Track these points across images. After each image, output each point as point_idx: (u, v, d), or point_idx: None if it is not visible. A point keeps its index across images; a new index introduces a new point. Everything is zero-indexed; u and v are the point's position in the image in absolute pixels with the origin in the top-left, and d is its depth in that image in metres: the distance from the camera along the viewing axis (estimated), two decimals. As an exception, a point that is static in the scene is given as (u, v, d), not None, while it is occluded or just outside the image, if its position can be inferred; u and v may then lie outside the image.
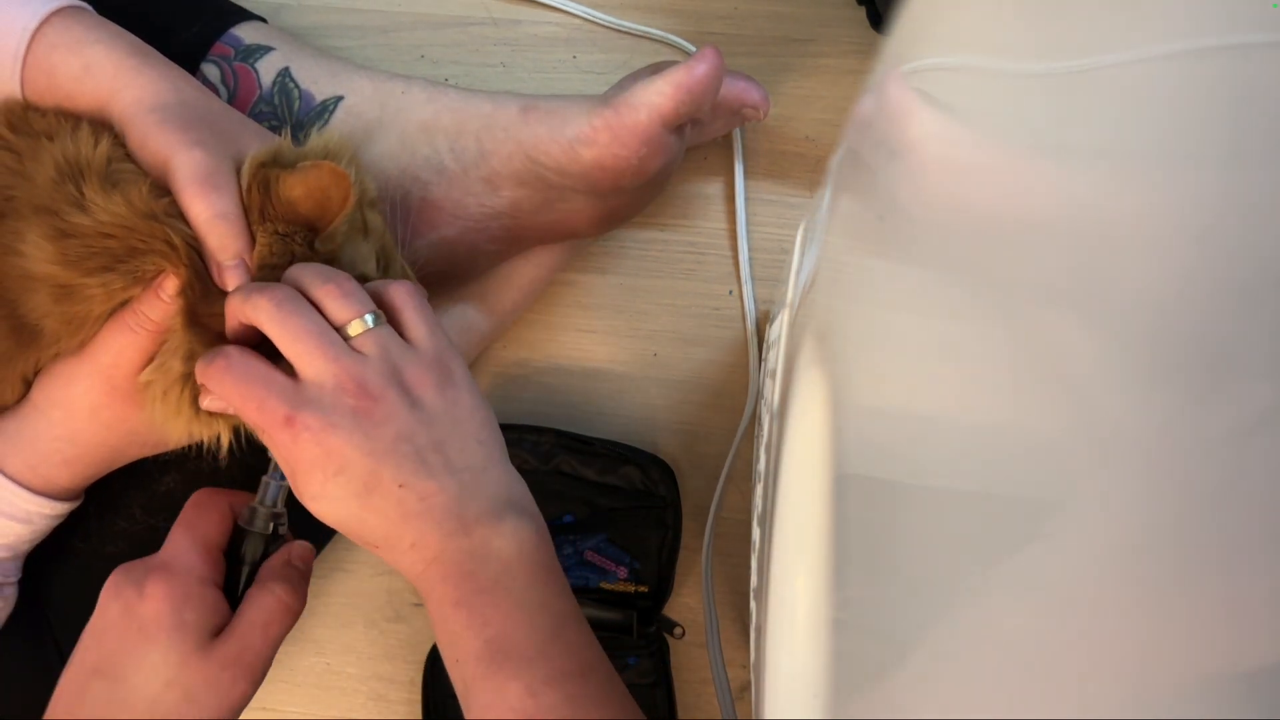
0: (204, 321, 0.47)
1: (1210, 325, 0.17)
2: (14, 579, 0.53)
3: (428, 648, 0.68)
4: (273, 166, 0.48)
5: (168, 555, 0.48)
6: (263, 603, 0.48)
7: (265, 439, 0.45)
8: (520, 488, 0.48)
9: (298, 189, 0.47)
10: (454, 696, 0.66)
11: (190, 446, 0.51)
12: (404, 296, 0.48)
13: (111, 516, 0.58)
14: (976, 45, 0.30)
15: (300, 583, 0.49)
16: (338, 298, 0.46)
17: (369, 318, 0.46)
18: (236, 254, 0.46)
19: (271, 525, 0.50)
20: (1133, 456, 0.18)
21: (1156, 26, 0.21)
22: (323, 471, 0.44)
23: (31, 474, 0.50)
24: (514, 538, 0.45)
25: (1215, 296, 0.17)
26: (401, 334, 0.47)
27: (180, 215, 0.47)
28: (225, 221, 0.46)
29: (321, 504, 0.45)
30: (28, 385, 0.51)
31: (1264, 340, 0.16)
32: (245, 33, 0.60)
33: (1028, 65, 0.26)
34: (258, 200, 0.47)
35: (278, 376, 0.44)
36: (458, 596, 0.44)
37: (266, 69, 0.59)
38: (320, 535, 0.66)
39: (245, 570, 0.50)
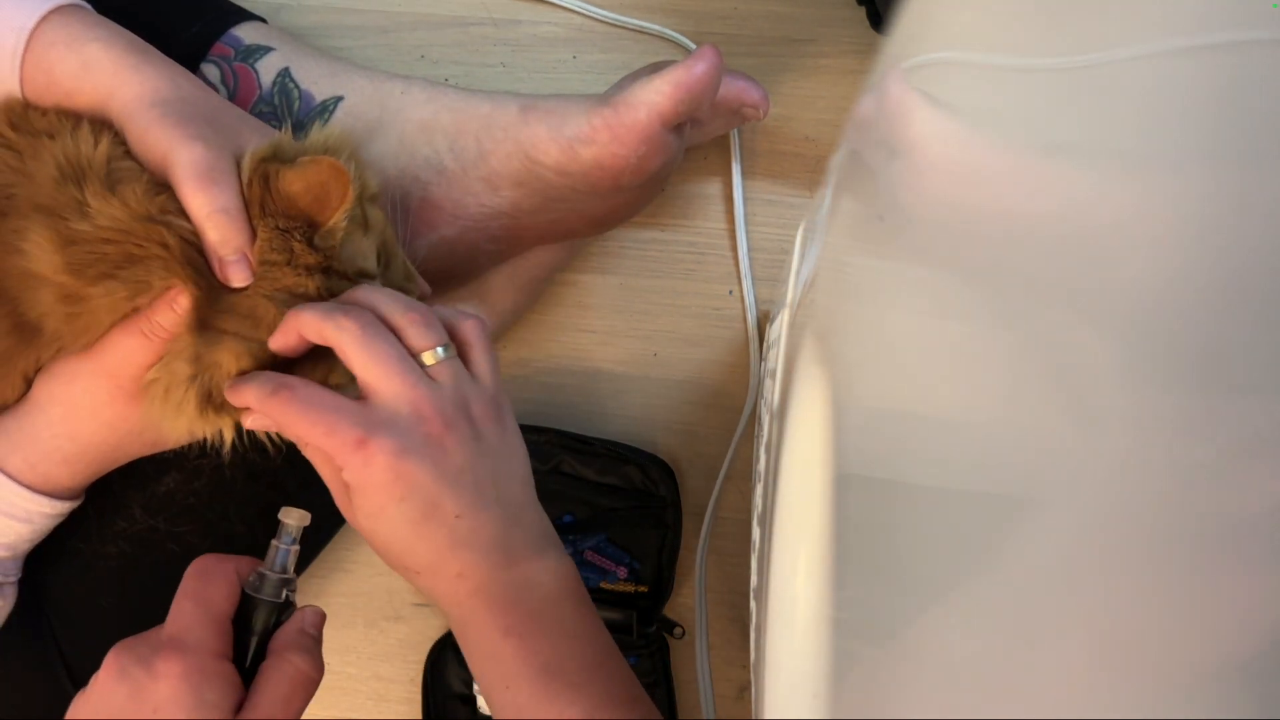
0: (210, 323, 0.47)
1: (1209, 326, 0.17)
2: (14, 578, 0.53)
3: (428, 648, 0.68)
4: (273, 161, 0.48)
5: (177, 629, 0.45)
6: (283, 675, 0.45)
7: (329, 464, 0.45)
8: (551, 527, 0.50)
9: (297, 184, 0.47)
10: (454, 698, 0.67)
11: (191, 446, 0.51)
12: (474, 333, 0.49)
13: (111, 517, 0.58)
14: (976, 44, 0.29)
15: (316, 650, 0.47)
16: (420, 325, 0.47)
17: (441, 349, 0.47)
18: (238, 248, 0.46)
19: (283, 592, 0.48)
20: (1131, 458, 0.18)
21: (1157, 23, 0.21)
22: (388, 495, 0.44)
23: (31, 472, 0.50)
24: (555, 572, 0.47)
25: (1214, 298, 0.17)
26: (467, 368, 0.48)
27: (179, 211, 0.46)
28: (226, 216, 0.46)
29: (375, 523, 0.45)
30: (28, 383, 0.51)
31: (1261, 342, 0.16)
32: (245, 33, 0.60)
33: (1028, 61, 0.26)
34: (258, 194, 0.47)
35: (345, 402, 0.45)
36: (507, 625, 0.45)
37: (266, 69, 0.59)
38: (320, 534, 0.66)
39: (255, 640, 0.47)
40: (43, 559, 0.55)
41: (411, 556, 0.46)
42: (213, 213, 0.46)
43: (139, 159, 0.48)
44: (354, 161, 0.50)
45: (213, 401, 0.48)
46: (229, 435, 0.50)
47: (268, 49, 0.60)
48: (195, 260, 0.47)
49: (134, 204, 0.46)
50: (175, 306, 0.47)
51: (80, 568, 0.58)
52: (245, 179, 0.47)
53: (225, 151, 0.47)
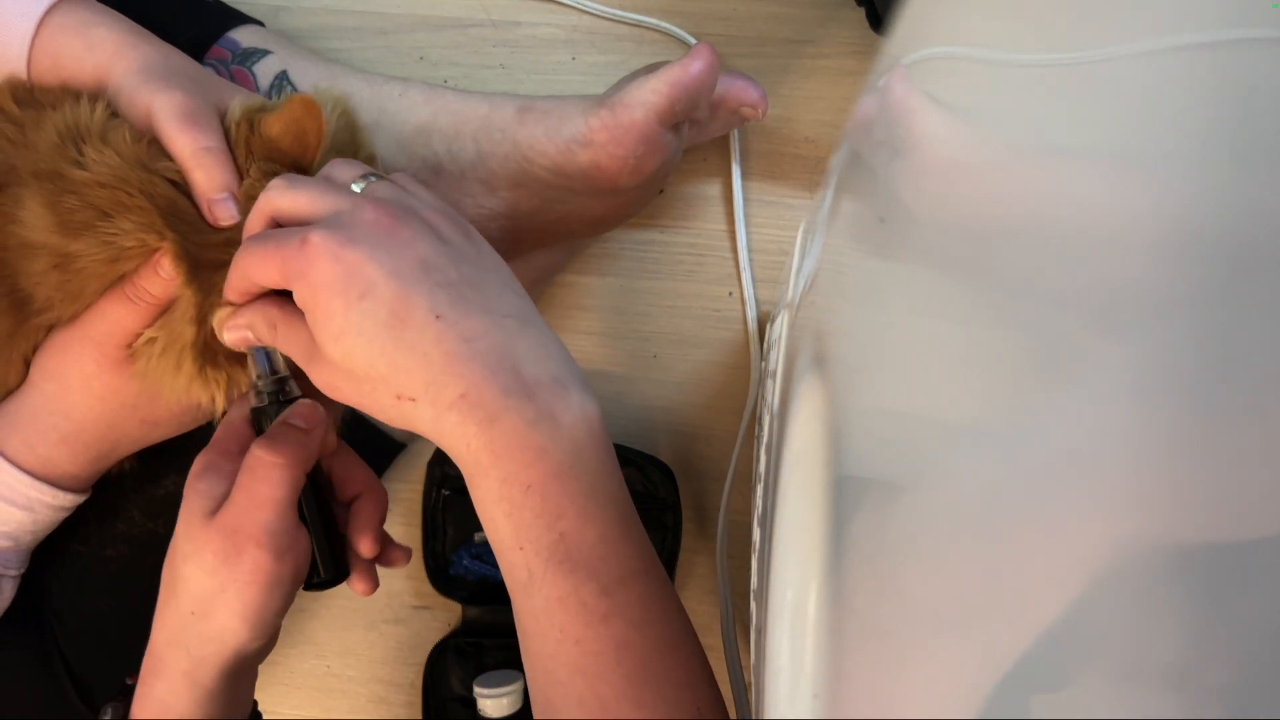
0: (205, 273, 0.47)
1: (1211, 328, 0.17)
2: (14, 572, 0.53)
3: (428, 650, 0.68)
4: (260, 112, 0.49)
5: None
6: (246, 464, 0.45)
7: (289, 283, 0.42)
8: (570, 357, 0.43)
9: (276, 126, 0.48)
10: (454, 700, 0.67)
11: (188, 447, 0.51)
12: (401, 178, 0.46)
13: (111, 520, 0.58)
14: (976, 43, 0.29)
15: (288, 440, 0.45)
16: (340, 166, 0.46)
17: (373, 176, 0.45)
18: (223, 186, 0.47)
19: (272, 395, 0.48)
20: (1134, 463, 0.18)
21: (1157, 21, 0.21)
22: (344, 297, 0.39)
23: (30, 454, 0.50)
24: (582, 414, 0.41)
25: (1216, 300, 0.17)
26: None
27: (164, 154, 0.47)
28: (210, 154, 0.46)
29: (347, 341, 0.40)
30: (29, 367, 0.51)
31: (1263, 345, 0.16)
32: (242, 36, 0.60)
33: (1028, 58, 0.26)
34: (245, 134, 0.48)
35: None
36: (530, 480, 0.39)
37: (264, 72, 0.59)
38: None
39: None
40: (43, 561, 0.55)
41: (401, 375, 0.40)
42: (196, 151, 0.46)
43: (130, 122, 0.49)
44: (345, 117, 0.51)
45: (210, 355, 0.48)
46: (220, 402, 0.50)
47: (265, 52, 0.60)
48: (183, 210, 0.47)
49: (124, 149, 0.46)
50: (160, 270, 0.47)
51: (80, 570, 0.58)
52: (235, 120, 0.48)
53: (206, 100, 0.48)
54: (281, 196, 0.43)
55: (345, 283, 0.39)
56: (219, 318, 0.47)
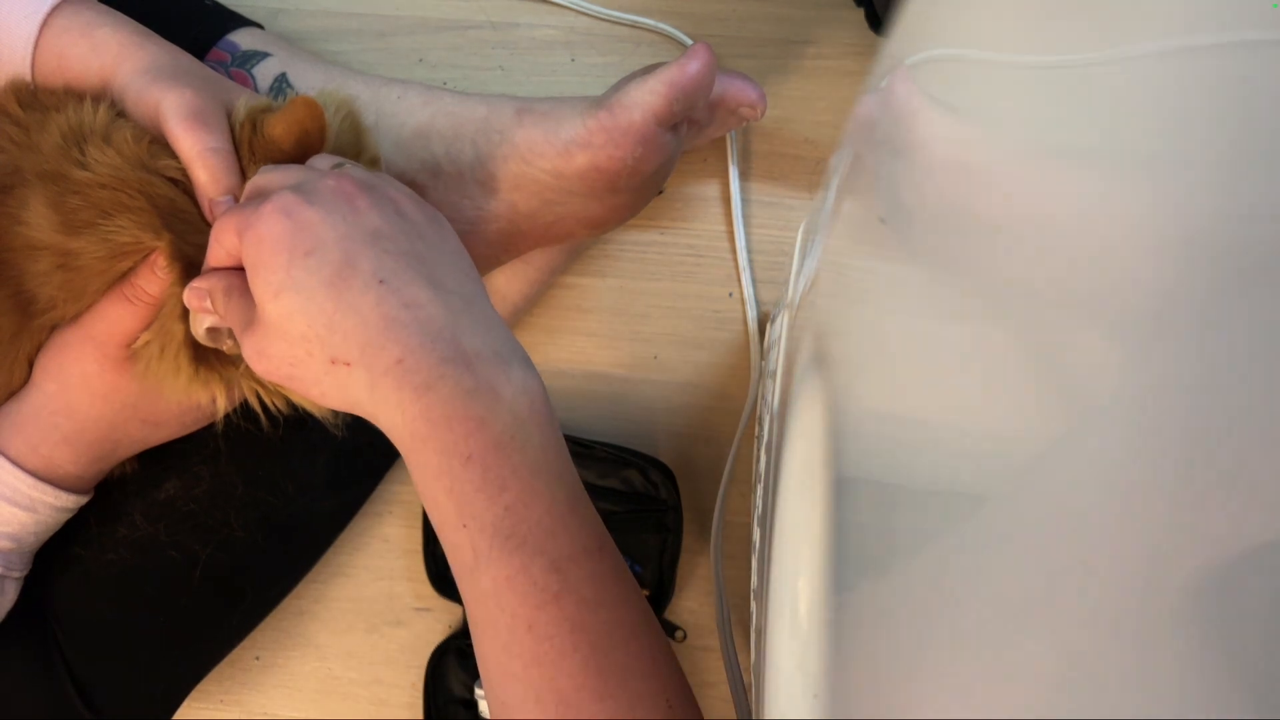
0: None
1: (1213, 330, 0.17)
2: (17, 573, 0.53)
3: (429, 652, 0.68)
4: (265, 112, 0.49)
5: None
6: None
7: (241, 240, 0.41)
8: (514, 339, 0.43)
9: (279, 127, 0.48)
10: (455, 701, 0.67)
11: (189, 450, 0.51)
12: (378, 172, 0.47)
13: (112, 524, 0.58)
14: (977, 44, 0.30)
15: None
16: (320, 158, 0.47)
17: (347, 164, 0.46)
18: (227, 188, 0.47)
19: None
20: (1133, 467, 0.18)
21: (1156, 22, 0.21)
22: (290, 252, 0.39)
23: (33, 455, 0.50)
24: (524, 390, 0.40)
25: (1218, 301, 0.17)
26: None
27: (168, 152, 0.47)
28: (215, 155, 0.47)
29: (286, 298, 0.39)
30: (32, 367, 0.51)
31: (1264, 346, 0.16)
32: (242, 39, 0.60)
33: (1028, 59, 0.26)
34: (248, 135, 0.48)
35: None
36: (470, 451, 0.38)
37: (263, 74, 0.59)
38: (320, 538, 0.66)
39: None
40: (45, 564, 0.55)
41: (338, 338, 0.39)
42: (202, 152, 0.46)
43: (136, 121, 0.49)
44: (350, 119, 0.51)
45: (201, 353, 0.48)
46: (221, 402, 0.50)
47: (264, 55, 0.60)
48: (182, 210, 0.47)
49: (126, 150, 0.46)
50: (155, 269, 0.47)
51: (81, 574, 0.58)
52: (239, 121, 0.48)
53: (214, 100, 0.48)
54: (260, 177, 0.45)
55: (293, 238, 0.40)
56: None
